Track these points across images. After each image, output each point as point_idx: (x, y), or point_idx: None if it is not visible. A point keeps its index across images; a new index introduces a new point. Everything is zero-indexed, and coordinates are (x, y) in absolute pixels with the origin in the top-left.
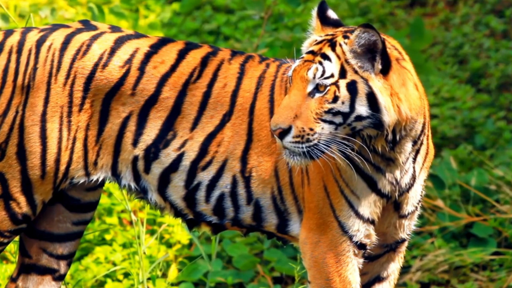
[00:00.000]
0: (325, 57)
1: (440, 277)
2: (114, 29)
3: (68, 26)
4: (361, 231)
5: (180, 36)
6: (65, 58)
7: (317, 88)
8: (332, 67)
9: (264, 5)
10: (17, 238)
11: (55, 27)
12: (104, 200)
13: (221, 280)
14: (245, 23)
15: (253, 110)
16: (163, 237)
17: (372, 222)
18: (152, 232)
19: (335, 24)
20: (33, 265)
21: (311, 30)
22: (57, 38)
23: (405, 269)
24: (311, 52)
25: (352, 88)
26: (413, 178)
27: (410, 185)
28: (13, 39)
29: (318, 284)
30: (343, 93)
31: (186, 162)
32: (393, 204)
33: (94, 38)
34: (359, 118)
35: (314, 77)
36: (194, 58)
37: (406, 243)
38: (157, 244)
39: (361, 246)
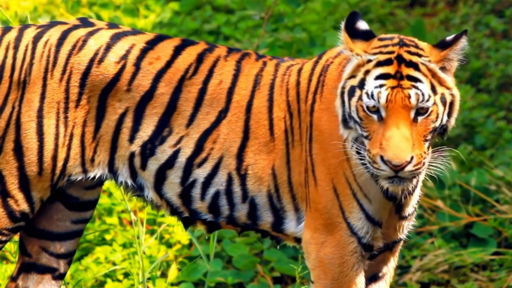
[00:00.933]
0: (414, 79)
1: (440, 277)
2: (111, 26)
3: (65, 23)
4: (370, 233)
5: (180, 36)
6: (61, 53)
7: (418, 112)
8: (426, 87)
9: (264, 5)
10: (16, 238)
11: (53, 24)
12: (104, 200)
13: (221, 280)
14: (245, 23)
15: (250, 108)
16: (163, 237)
17: (380, 225)
18: (152, 232)
19: (365, 35)
20: (33, 264)
21: (339, 43)
22: (53, 34)
23: (405, 269)
24: (389, 76)
25: (443, 101)
26: (417, 180)
27: (414, 187)
28: (11, 35)
29: (322, 284)
30: (441, 109)
31: (181, 159)
32: (395, 206)
33: (90, 34)
34: (441, 127)
35: (417, 103)
36: (190, 54)
37: (401, 242)
38: (157, 244)
39: (368, 248)
